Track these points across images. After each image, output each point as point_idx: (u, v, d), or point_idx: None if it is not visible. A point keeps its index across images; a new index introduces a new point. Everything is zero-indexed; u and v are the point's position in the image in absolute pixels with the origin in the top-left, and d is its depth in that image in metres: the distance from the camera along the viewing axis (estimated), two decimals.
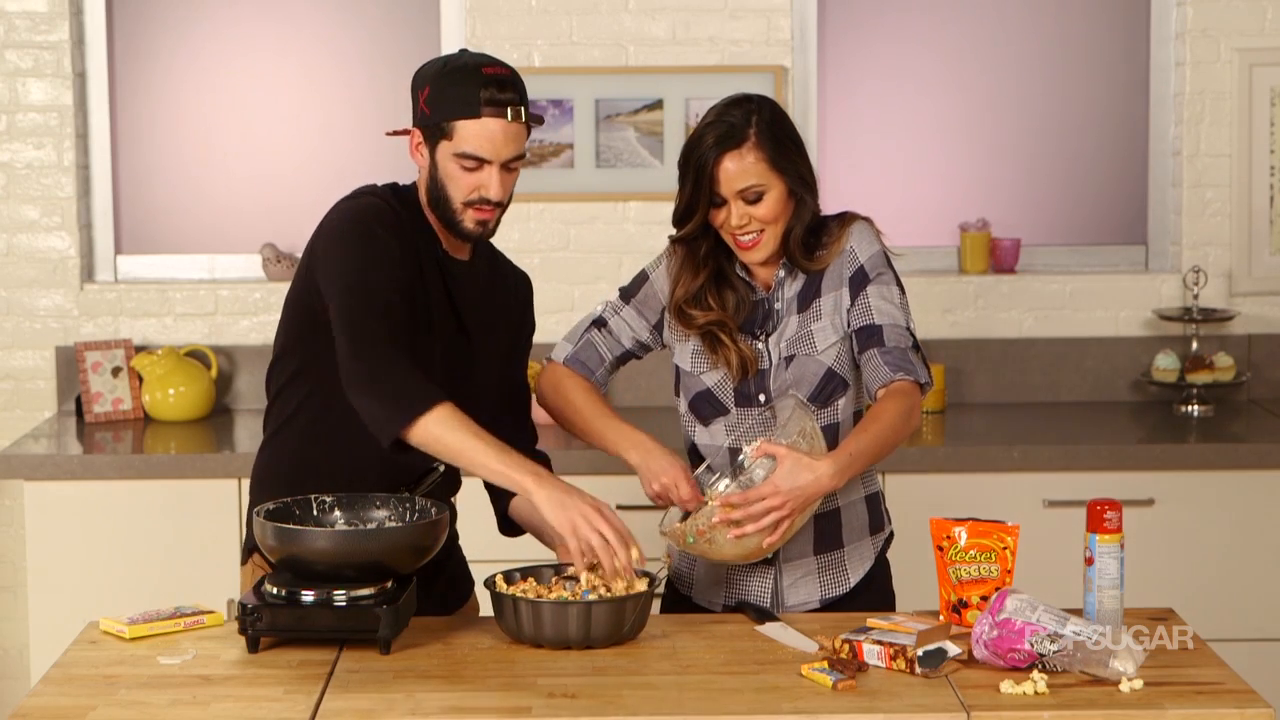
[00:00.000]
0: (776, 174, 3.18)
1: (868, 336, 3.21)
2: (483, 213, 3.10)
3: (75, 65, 5.00)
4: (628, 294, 3.36)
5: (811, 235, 3.25)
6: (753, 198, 3.17)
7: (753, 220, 3.18)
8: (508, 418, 3.33)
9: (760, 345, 3.26)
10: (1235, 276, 5.04)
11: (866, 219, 3.29)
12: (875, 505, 3.35)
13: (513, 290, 3.32)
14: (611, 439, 3.26)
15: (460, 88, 3.05)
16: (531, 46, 4.97)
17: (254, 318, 5.02)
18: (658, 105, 4.99)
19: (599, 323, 3.36)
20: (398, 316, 3.01)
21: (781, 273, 3.27)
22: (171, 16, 5.09)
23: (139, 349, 4.98)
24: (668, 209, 4.91)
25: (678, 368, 3.32)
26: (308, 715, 2.65)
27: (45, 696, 2.75)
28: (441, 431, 2.93)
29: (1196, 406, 4.85)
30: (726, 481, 3.17)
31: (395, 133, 3.22)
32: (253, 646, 2.90)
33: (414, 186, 3.19)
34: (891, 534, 3.39)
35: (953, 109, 5.17)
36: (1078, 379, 5.06)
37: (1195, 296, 4.93)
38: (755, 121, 3.17)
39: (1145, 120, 5.14)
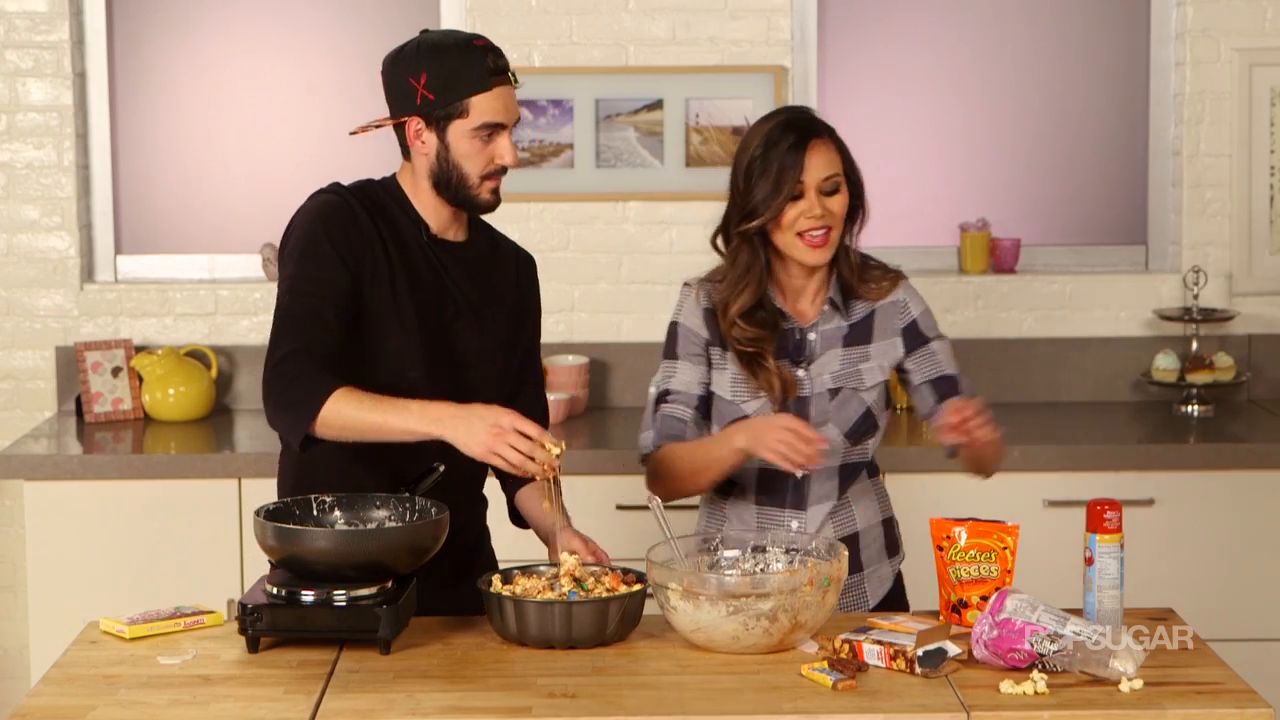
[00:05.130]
0: (845, 173, 3.28)
1: (948, 384, 3.35)
2: (497, 180, 3.17)
3: (75, 65, 5.00)
4: (669, 352, 3.34)
5: (857, 269, 3.35)
6: (830, 189, 3.25)
7: (827, 213, 3.23)
8: (519, 397, 3.31)
9: (801, 373, 3.29)
10: (1235, 276, 5.04)
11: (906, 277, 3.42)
12: (891, 529, 3.42)
13: (513, 270, 3.32)
14: (717, 447, 3.21)
15: (468, 66, 3.11)
16: (531, 46, 4.97)
17: (254, 318, 5.02)
18: (658, 105, 4.98)
19: (662, 397, 3.33)
20: (326, 325, 3.03)
21: (827, 307, 3.31)
22: (171, 16, 5.09)
23: (139, 349, 4.98)
24: (668, 209, 4.97)
25: (715, 395, 3.32)
26: (308, 715, 2.65)
27: (45, 696, 2.75)
28: (342, 421, 2.95)
29: (1196, 406, 4.85)
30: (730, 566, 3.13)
31: (361, 129, 3.25)
32: (253, 646, 2.90)
33: (393, 178, 3.22)
34: (903, 557, 3.45)
35: (953, 109, 5.17)
36: (1078, 379, 5.06)
37: (1195, 296, 4.93)
38: (824, 123, 3.29)
39: (1145, 120, 5.14)
